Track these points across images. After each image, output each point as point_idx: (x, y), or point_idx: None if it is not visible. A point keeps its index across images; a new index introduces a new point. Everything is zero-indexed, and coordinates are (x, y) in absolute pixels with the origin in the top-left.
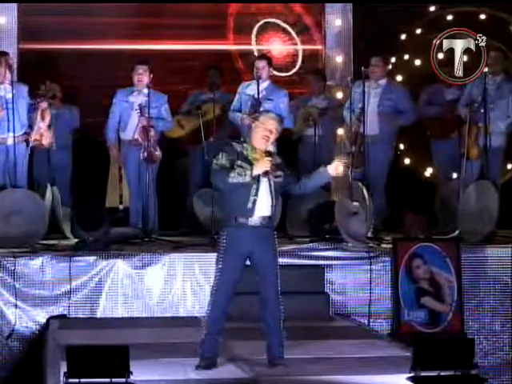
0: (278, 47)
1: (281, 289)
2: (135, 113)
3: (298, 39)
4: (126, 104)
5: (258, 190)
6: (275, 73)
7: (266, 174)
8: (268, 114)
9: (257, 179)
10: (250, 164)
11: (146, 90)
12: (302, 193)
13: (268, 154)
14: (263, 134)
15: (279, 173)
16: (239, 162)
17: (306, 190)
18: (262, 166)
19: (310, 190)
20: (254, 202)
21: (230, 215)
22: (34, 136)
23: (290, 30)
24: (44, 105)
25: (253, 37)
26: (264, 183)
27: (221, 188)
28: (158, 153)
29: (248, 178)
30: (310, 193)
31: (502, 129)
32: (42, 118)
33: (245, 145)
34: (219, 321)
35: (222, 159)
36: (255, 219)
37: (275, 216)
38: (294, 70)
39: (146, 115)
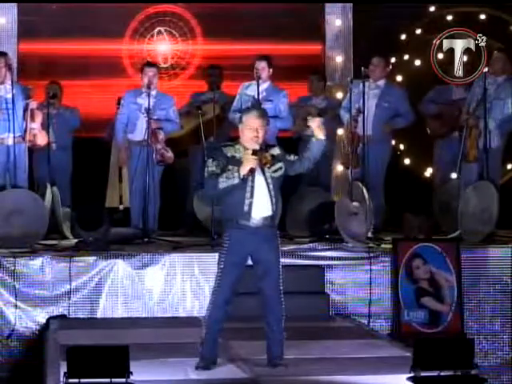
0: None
1: (282, 289)
2: (143, 115)
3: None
4: (134, 105)
5: (253, 191)
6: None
7: (252, 171)
8: (249, 112)
9: (251, 180)
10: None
11: (154, 92)
12: (314, 167)
13: (254, 152)
14: (251, 136)
15: (278, 165)
16: (230, 166)
17: (313, 161)
18: (247, 164)
19: (316, 159)
20: (250, 204)
21: (230, 218)
22: (27, 137)
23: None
24: (33, 105)
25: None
26: (260, 183)
27: (215, 194)
28: (170, 154)
29: (237, 180)
30: (316, 162)
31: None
32: (32, 119)
33: (237, 146)
34: (219, 321)
35: (212, 166)
36: (256, 220)
37: (277, 214)
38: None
39: (154, 117)
